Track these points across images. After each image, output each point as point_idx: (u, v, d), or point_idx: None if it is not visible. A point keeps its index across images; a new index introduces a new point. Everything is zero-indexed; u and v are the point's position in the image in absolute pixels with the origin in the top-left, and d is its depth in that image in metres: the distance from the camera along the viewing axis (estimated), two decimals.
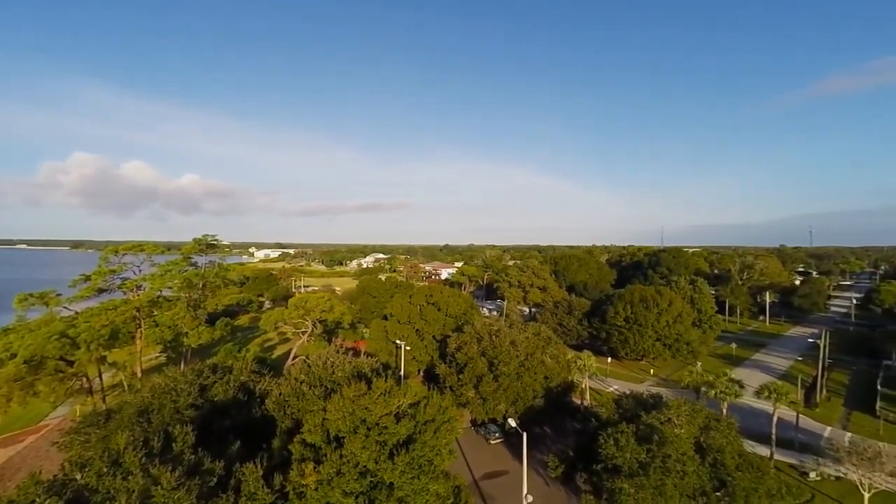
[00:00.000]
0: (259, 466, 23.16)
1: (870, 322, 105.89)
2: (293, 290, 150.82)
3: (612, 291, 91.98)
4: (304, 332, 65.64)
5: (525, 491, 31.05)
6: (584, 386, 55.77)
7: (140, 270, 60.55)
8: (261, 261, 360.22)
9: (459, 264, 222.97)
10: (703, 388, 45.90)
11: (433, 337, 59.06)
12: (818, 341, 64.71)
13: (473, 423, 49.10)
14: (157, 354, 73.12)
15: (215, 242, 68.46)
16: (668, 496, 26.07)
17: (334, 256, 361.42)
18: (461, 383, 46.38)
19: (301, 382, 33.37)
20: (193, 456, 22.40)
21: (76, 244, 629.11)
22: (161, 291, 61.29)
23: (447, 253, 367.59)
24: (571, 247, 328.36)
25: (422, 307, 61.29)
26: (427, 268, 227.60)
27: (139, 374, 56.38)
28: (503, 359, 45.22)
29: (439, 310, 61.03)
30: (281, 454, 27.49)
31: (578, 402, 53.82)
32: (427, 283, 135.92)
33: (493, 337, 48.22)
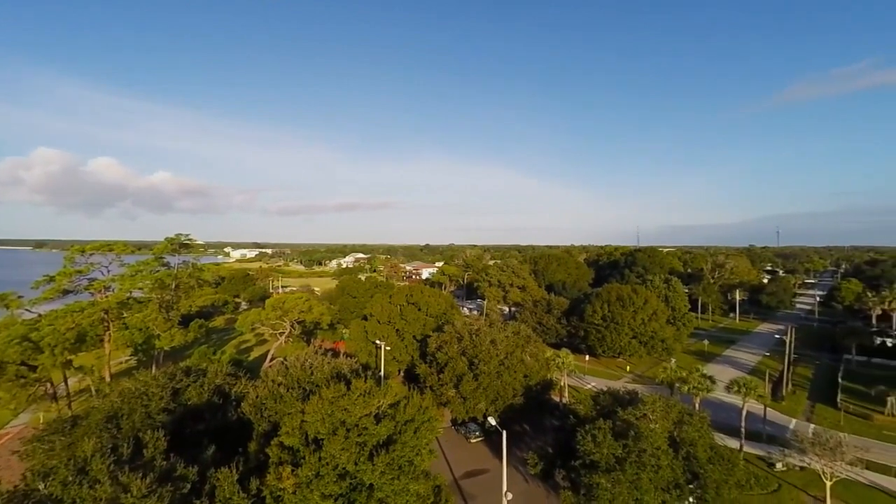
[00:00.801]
0: (234, 471, 22.70)
1: (832, 318, 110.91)
2: (271, 290, 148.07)
3: (590, 290, 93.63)
4: (281, 334, 64.53)
5: (505, 488, 31.32)
6: (562, 384, 56.60)
7: (108, 271, 58.42)
8: (237, 261, 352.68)
9: (440, 264, 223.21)
10: (677, 384, 47.22)
11: (413, 337, 58.92)
12: (784, 337, 67.45)
13: (454, 422, 49.21)
14: (127, 358, 70.63)
15: (189, 242, 66.57)
16: (644, 490, 26.70)
17: (313, 256, 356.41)
18: (441, 383, 46.43)
19: (278, 384, 32.83)
20: (165, 462, 21.78)
21: (39, 244, 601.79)
22: (131, 293, 59.32)
23: (428, 252, 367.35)
24: (550, 246, 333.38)
25: (402, 307, 61.06)
26: (408, 267, 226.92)
27: (108, 379, 54.35)
28: (483, 358, 45.47)
29: (420, 309, 60.92)
30: (257, 458, 27.00)
31: (557, 399, 54.59)
32: (408, 283, 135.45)
33: (474, 336, 48.43)
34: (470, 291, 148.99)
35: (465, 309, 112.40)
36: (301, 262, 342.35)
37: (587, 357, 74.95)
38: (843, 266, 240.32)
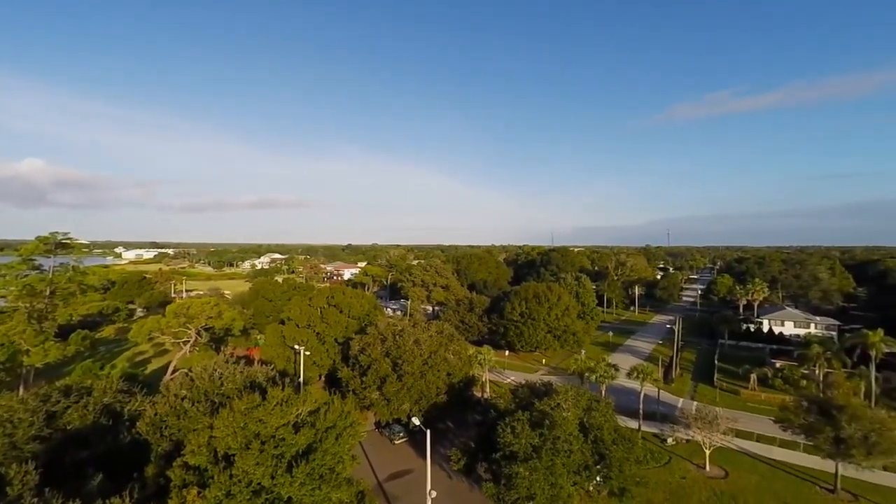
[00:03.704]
0: (128, 500, 20.24)
1: (710, 309, 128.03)
2: (173, 295, 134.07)
3: (510, 289, 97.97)
4: (186, 342, 58.78)
5: (429, 487, 31.57)
6: (484, 379, 58.52)
7: None
8: (131, 262, 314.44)
9: (363, 264, 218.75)
10: (586, 374, 51.29)
11: (335, 340, 57.07)
12: (674, 327, 76.43)
13: (377, 424, 48.51)
14: None
15: (68, 241, 57.78)
16: (558, 474, 28.59)
17: (223, 257, 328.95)
18: (364, 386, 45.52)
19: (182, 399, 29.89)
20: (37, 499, 18.76)
21: None
22: None
23: (350, 253, 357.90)
24: (472, 246, 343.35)
25: (322, 309, 58.82)
26: (328, 268, 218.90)
27: None
28: (407, 358, 45.40)
29: (341, 311, 59.16)
30: (157, 482, 24.38)
31: (479, 395, 56.29)
32: (328, 284, 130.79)
33: (397, 337, 48.15)
34: (394, 292, 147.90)
35: (388, 309, 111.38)
36: (209, 264, 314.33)
37: (507, 352, 78.33)
38: (718, 264, 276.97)
